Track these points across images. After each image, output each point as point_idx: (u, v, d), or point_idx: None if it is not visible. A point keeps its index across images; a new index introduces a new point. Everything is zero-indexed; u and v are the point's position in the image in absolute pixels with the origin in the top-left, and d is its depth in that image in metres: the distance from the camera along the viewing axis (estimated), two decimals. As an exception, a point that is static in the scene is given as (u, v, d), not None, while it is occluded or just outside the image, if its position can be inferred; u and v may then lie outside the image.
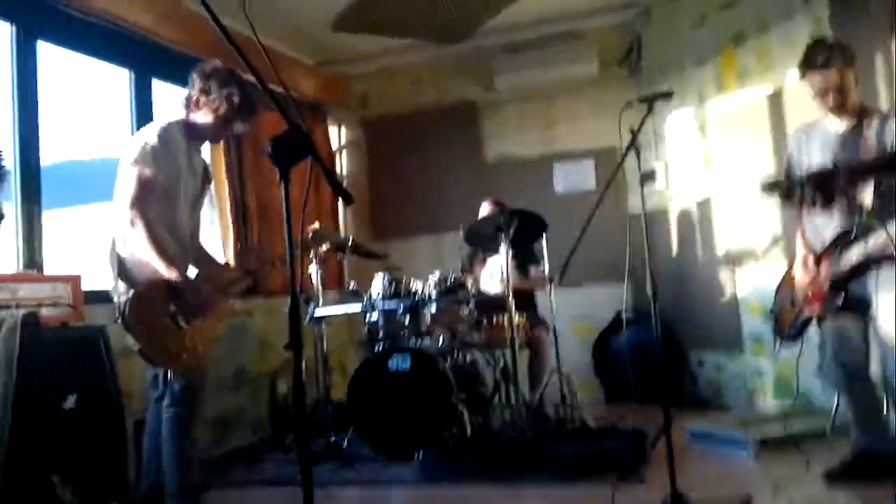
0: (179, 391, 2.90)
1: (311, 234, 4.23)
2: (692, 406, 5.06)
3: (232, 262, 4.84)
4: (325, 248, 4.29)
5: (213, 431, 4.52)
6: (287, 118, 1.84)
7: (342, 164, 6.47)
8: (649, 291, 2.94)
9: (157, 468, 2.99)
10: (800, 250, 3.20)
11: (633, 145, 2.95)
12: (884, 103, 3.62)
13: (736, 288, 4.98)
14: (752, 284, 4.83)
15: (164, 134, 2.95)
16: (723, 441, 3.76)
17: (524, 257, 4.84)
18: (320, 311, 4.31)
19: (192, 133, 3.07)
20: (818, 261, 3.06)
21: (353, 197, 2.16)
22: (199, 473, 3.05)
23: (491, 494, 3.36)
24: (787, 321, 3.30)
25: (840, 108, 2.95)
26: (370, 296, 4.29)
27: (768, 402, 4.66)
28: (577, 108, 5.98)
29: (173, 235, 2.97)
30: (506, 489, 3.40)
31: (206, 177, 3.24)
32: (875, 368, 3.14)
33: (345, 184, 6.38)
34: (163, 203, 2.93)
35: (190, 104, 3.03)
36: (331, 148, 6.24)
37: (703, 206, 5.26)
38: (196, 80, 3.01)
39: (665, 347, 3.14)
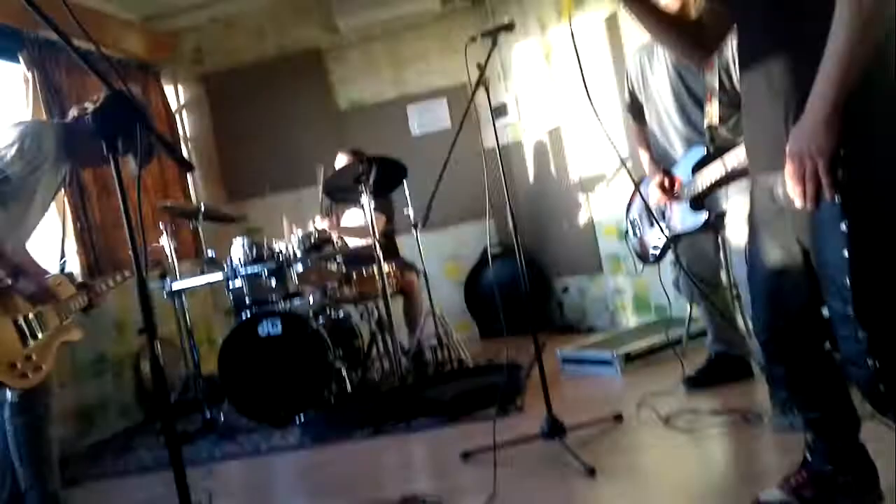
0: (18, 402, 2.66)
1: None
2: (561, 332, 5.27)
3: (73, 243, 4.49)
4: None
5: (76, 424, 4.25)
6: (107, 83, 1.66)
7: (184, 126, 6.07)
8: (511, 225, 2.98)
9: (13, 476, 2.76)
10: (649, 170, 3.30)
11: (481, 81, 2.92)
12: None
13: (591, 212, 5.17)
14: (605, 207, 5.03)
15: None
16: (591, 362, 3.94)
17: (384, 204, 4.75)
18: (178, 284, 4.08)
19: None
20: (672, 181, 3.13)
21: (193, 164, 2.01)
22: (58, 474, 2.83)
23: (378, 447, 3.36)
24: (648, 245, 3.44)
25: None
26: (230, 262, 4.11)
27: (630, 319, 4.92)
28: (423, 46, 5.90)
29: (19, 226, 2.68)
30: (392, 439, 3.41)
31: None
32: (724, 276, 3.36)
33: (189, 147, 6.01)
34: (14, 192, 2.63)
35: None
36: (169, 110, 5.82)
37: (554, 134, 5.37)
38: None
39: (530, 277, 3.22)
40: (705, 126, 2.93)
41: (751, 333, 3.02)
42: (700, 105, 3.00)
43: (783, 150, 1.55)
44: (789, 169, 1.53)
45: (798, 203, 1.54)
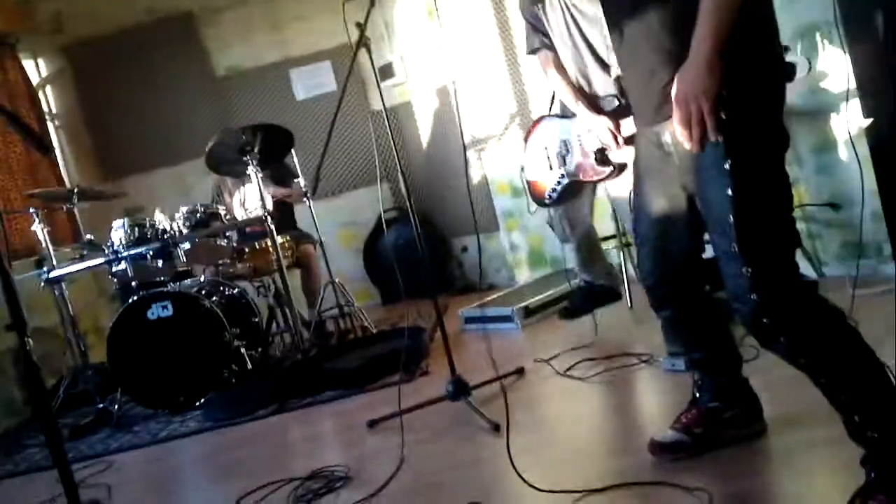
0: None
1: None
2: (462, 292, 5.31)
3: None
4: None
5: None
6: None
7: (48, 103, 5.63)
8: (403, 188, 2.95)
9: None
10: (571, 102, 3.12)
11: (362, 41, 2.83)
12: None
13: (484, 169, 5.19)
14: (498, 165, 5.06)
15: None
16: (492, 319, 3.99)
17: (278, 175, 4.60)
18: (56, 272, 3.83)
19: None
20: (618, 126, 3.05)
21: (53, 145, 1.85)
22: None
23: (283, 424, 3.30)
24: (544, 188, 3.44)
25: None
26: (112, 244, 3.88)
27: (527, 274, 5.01)
28: (302, 7, 5.68)
29: None
30: (297, 415, 3.35)
31: None
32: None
33: (56, 125, 5.59)
34: None
35: None
36: (30, 85, 5.38)
37: (443, 93, 5.33)
38: None
39: (428, 239, 3.20)
40: (612, 78, 2.90)
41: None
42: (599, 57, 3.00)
43: (668, 101, 1.58)
44: (676, 115, 1.57)
45: (686, 146, 1.59)
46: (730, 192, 1.54)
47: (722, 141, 1.54)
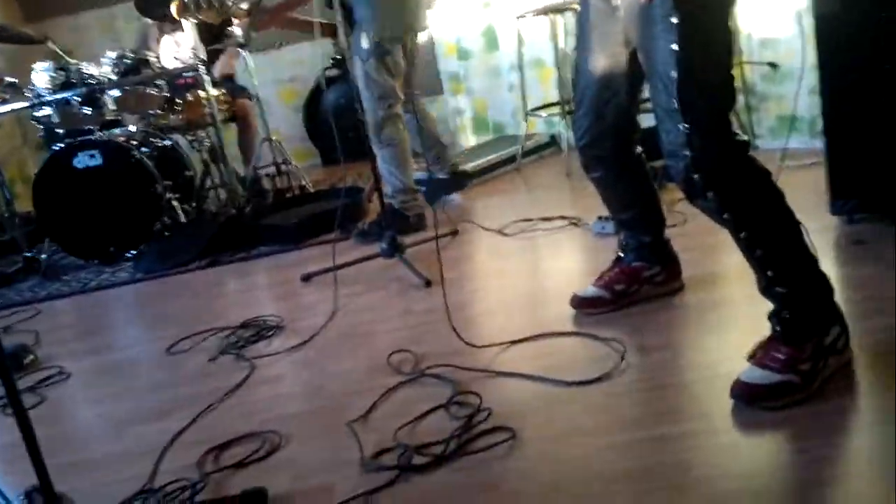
0: None
1: None
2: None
3: None
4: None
5: None
6: None
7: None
8: (343, 42, 2.84)
9: None
10: None
11: None
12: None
13: (430, 31, 5.00)
14: (444, 25, 4.88)
15: None
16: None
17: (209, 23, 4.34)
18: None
19: None
20: None
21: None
22: None
23: (216, 276, 3.30)
24: None
25: None
26: (35, 89, 3.67)
27: (469, 139, 4.96)
28: None
29: None
30: (231, 269, 3.35)
31: None
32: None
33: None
34: None
35: None
36: None
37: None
38: None
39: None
40: None
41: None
42: None
43: None
44: None
45: None
46: (675, 46, 1.51)
47: None
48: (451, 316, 2.09)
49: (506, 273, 2.69)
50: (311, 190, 4.24)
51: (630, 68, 1.76)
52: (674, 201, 2.62)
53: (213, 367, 2.29)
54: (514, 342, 2.00)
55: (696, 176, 1.55)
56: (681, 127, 1.53)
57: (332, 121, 4.81)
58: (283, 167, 4.31)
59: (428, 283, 2.57)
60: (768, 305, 1.59)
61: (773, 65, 3.27)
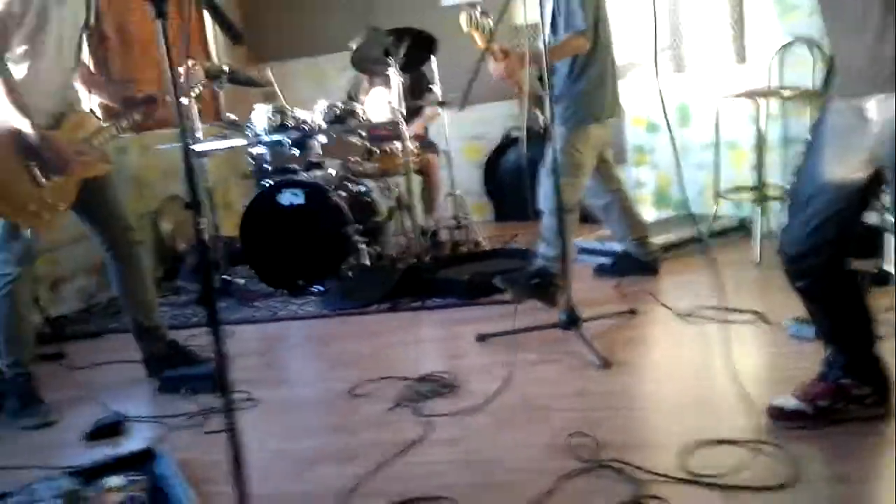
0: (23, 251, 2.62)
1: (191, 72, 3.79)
2: (582, 220, 5.22)
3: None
4: (201, 83, 3.89)
5: (98, 278, 4.31)
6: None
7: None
8: (537, 111, 2.95)
9: None
10: None
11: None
12: None
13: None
14: (637, 97, 4.86)
15: None
16: (609, 254, 3.93)
17: (416, 82, 4.61)
18: (201, 147, 4.03)
19: None
20: None
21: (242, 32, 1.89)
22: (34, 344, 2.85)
23: (392, 321, 3.43)
24: None
25: None
26: (253, 128, 4.06)
27: (649, 211, 4.87)
28: None
29: (34, 79, 2.57)
30: (407, 316, 3.47)
31: (87, 6, 2.70)
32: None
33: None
34: (22, 39, 2.51)
35: None
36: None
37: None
38: None
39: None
40: None
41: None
42: None
43: (879, 72, 1.50)
44: None
45: None
46: None
47: None
48: (621, 402, 2.05)
49: (687, 364, 2.59)
50: (487, 247, 4.34)
51: (865, 185, 1.69)
52: (883, 308, 2.44)
53: (391, 417, 2.37)
54: (701, 445, 1.92)
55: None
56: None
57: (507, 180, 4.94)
58: (463, 221, 4.44)
59: (607, 364, 2.54)
60: None
61: None
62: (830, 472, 1.72)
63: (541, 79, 2.87)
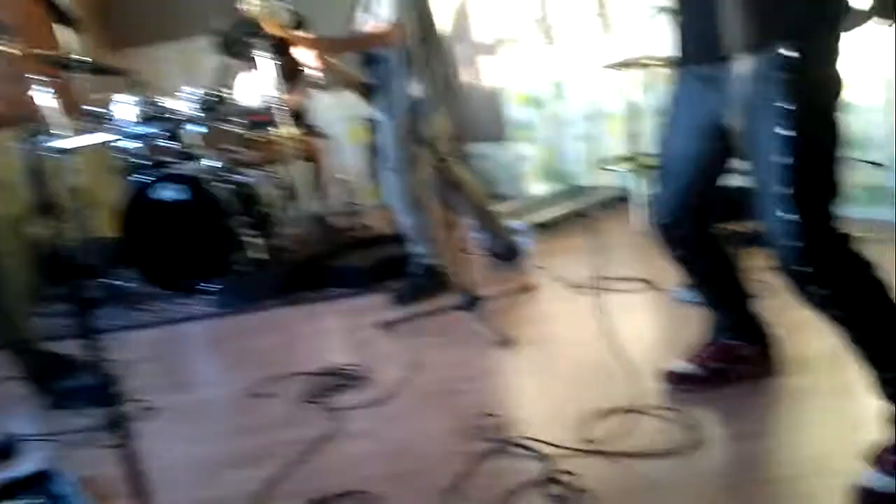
0: None
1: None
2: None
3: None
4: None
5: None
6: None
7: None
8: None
9: None
10: None
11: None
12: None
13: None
14: (515, 72, 4.94)
15: None
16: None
17: (289, 63, 4.45)
18: (65, 143, 3.74)
19: None
20: None
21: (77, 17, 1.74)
22: None
23: (292, 315, 3.36)
24: None
25: None
26: (117, 120, 3.80)
27: (535, 186, 4.99)
28: None
29: None
30: (307, 308, 3.41)
31: None
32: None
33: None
34: None
35: None
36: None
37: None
38: None
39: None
40: None
41: None
42: None
43: (727, 36, 1.54)
44: None
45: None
46: (790, 133, 1.52)
47: (787, 80, 1.52)
48: (524, 382, 2.10)
49: (584, 336, 2.66)
50: (383, 233, 4.30)
51: (721, 149, 1.76)
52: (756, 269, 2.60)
53: (300, 414, 2.32)
54: (604, 415, 1.99)
55: (808, 269, 1.53)
56: (792, 216, 1.52)
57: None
58: (352, 207, 4.39)
59: (507, 342, 2.59)
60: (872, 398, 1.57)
61: (875, 164, 3.17)
62: (729, 431, 1.83)
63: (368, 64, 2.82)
